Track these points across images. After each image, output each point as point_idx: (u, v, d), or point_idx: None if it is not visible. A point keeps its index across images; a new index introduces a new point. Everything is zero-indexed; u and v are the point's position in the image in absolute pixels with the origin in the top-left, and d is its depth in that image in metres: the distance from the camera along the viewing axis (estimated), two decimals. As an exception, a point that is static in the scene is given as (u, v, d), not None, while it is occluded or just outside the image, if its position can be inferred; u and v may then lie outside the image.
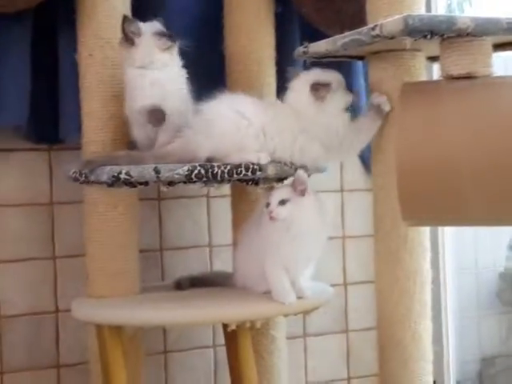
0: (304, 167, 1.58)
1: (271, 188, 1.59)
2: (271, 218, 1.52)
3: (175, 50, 1.63)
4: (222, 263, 2.07)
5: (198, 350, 2.09)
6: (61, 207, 1.95)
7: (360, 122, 1.57)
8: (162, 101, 1.58)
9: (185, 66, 1.67)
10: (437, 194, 1.37)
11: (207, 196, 2.09)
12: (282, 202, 1.53)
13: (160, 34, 1.61)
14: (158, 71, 1.60)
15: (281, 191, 1.55)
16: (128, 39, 1.59)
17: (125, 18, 1.59)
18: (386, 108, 1.53)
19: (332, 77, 1.60)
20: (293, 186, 1.55)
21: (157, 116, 1.56)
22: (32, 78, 1.77)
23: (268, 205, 1.54)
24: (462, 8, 2.68)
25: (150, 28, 1.61)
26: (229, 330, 1.57)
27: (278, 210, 1.52)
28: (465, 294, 2.43)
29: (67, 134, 1.84)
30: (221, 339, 1.90)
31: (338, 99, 1.58)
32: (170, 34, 1.61)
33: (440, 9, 2.26)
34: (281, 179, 1.63)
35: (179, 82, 1.64)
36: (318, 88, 1.55)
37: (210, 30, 1.87)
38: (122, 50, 1.61)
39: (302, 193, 1.54)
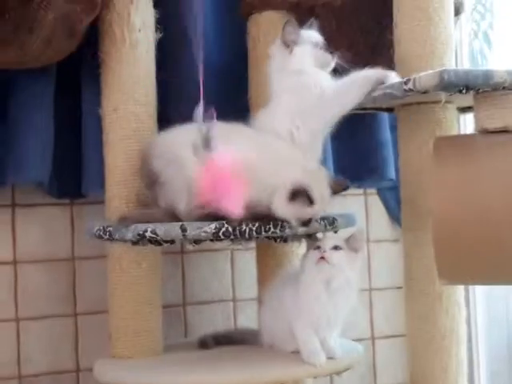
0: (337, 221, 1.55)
1: (313, 239, 1.54)
2: (321, 259, 1.47)
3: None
4: (247, 318, 2.02)
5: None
6: (82, 262, 1.92)
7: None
8: None
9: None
10: (477, 252, 1.31)
11: (231, 249, 2.05)
12: (336, 248, 1.48)
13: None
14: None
15: (334, 238, 1.51)
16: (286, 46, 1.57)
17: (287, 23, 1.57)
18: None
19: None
20: (348, 240, 1.51)
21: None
22: (55, 134, 1.75)
23: (318, 247, 1.49)
24: (483, 53, 2.66)
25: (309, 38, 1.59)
26: (257, 393, 1.52)
27: (331, 252, 1.47)
28: (496, 346, 2.35)
29: (90, 189, 1.82)
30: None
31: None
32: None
33: (464, 56, 2.25)
34: (309, 236, 1.58)
35: None
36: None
37: (233, 78, 1.87)
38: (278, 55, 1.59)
39: (356, 250, 1.50)
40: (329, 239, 1.51)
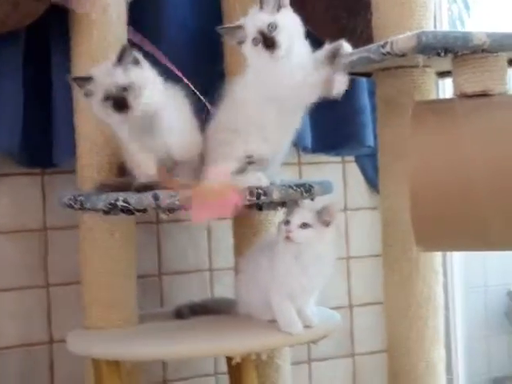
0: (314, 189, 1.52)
1: (293, 205, 1.50)
2: (287, 238, 1.45)
3: None
4: (224, 287, 2.00)
5: (199, 379, 2.01)
6: (54, 233, 1.88)
7: None
8: None
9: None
10: (454, 217, 1.29)
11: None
12: (304, 225, 1.45)
13: None
14: None
15: (305, 213, 1.47)
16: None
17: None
18: None
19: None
20: (319, 213, 1.47)
21: None
22: (24, 102, 1.70)
23: (287, 223, 1.46)
24: (462, 18, 2.64)
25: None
26: (233, 362, 1.50)
27: (297, 231, 1.44)
28: (473, 313, 2.36)
29: (61, 159, 1.77)
30: (223, 367, 1.83)
31: None
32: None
33: (444, 21, 2.21)
34: (285, 203, 1.56)
35: None
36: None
37: (208, 44, 1.82)
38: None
39: (327, 223, 1.47)
40: (298, 215, 1.46)
